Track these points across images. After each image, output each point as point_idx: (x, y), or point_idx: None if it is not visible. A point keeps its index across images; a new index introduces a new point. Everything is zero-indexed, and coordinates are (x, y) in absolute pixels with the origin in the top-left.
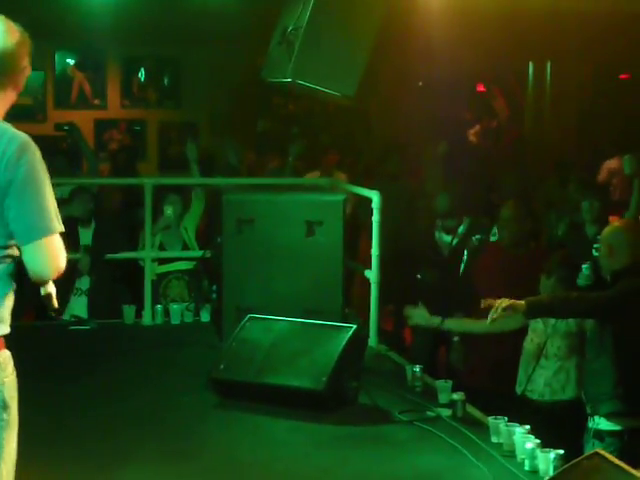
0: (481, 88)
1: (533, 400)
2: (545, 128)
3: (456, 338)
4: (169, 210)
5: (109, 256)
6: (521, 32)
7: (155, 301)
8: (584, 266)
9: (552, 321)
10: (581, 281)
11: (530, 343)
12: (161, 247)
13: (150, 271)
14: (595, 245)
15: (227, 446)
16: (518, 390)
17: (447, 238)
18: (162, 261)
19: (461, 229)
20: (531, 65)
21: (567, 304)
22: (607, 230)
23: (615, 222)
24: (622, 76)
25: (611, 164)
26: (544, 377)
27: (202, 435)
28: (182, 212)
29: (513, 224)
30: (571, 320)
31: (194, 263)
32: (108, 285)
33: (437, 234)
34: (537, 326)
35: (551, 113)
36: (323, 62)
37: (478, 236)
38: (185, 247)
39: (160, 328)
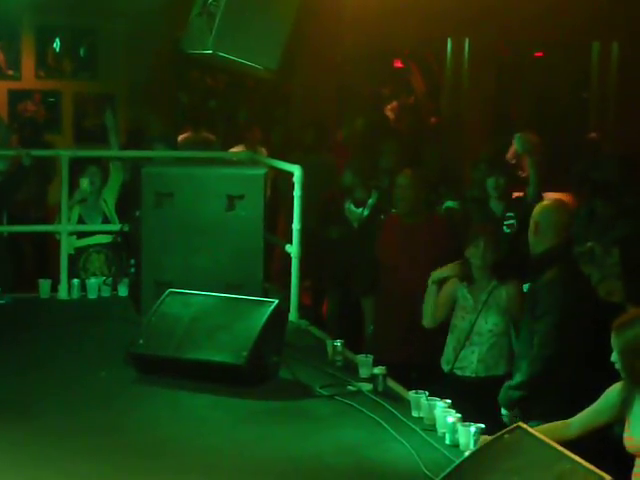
0: (398, 64)
1: (464, 377)
2: (462, 104)
3: (371, 327)
4: (85, 183)
5: (19, 228)
6: (440, 8)
7: (75, 275)
8: None
9: (483, 297)
10: None
11: (461, 320)
12: (80, 220)
13: (66, 244)
14: (505, 222)
15: (146, 421)
16: (445, 368)
17: (357, 210)
18: (82, 234)
19: (371, 201)
20: (449, 41)
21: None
22: (537, 207)
23: (546, 200)
24: (537, 54)
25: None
26: (477, 353)
27: (120, 410)
28: (101, 184)
29: (409, 192)
30: (504, 296)
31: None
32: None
33: (347, 206)
34: (467, 303)
35: (469, 90)
36: (245, 34)
37: (394, 210)
38: (106, 220)
39: (76, 302)
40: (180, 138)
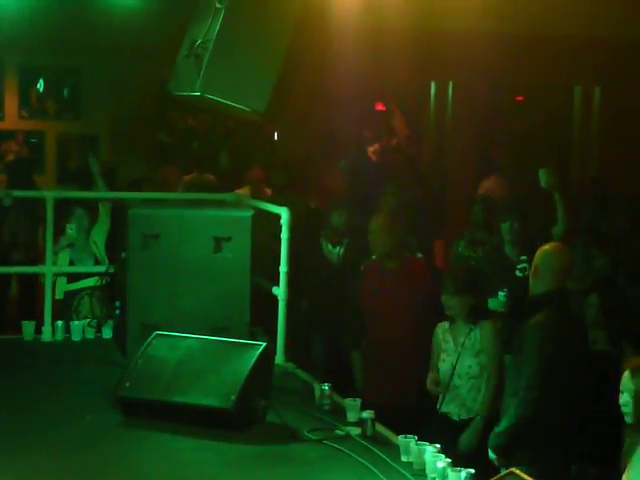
0: (380, 107)
1: (452, 420)
2: (446, 148)
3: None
4: (71, 229)
5: (3, 270)
6: (424, 52)
7: (68, 319)
8: (501, 293)
9: (461, 339)
10: (494, 305)
11: (443, 363)
12: (71, 264)
13: (50, 286)
14: (518, 266)
15: (132, 465)
16: (438, 408)
17: (335, 249)
18: (73, 278)
19: (345, 240)
20: (433, 85)
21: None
22: (538, 251)
23: (547, 245)
24: (518, 98)
25: (487, 184)
26: (459, 396)
27: (105, 454)
28: (89, 226)
29: (383, 236)
30: (478, 339)
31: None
32: None
33: (324, 244)
34: (448, 346)
35: (452, 133)
36: (233, 76)
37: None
38: (97, 262)
39: (60, 344)
40: (185, 179)
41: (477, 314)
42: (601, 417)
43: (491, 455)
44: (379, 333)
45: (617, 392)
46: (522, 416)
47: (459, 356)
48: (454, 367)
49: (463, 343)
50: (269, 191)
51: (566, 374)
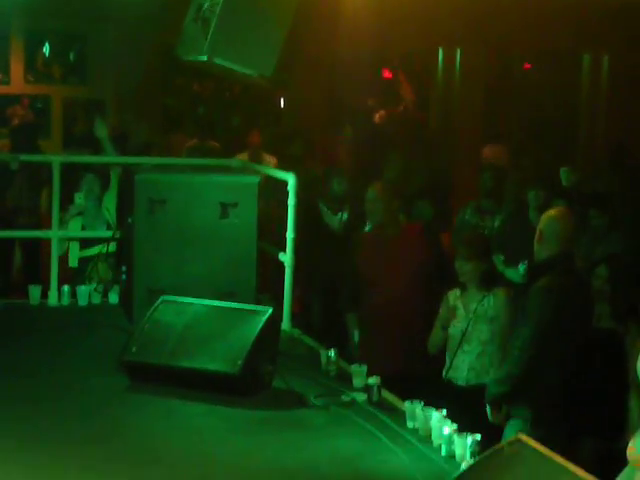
0: (387, 74)
1: (458, 386)
2: (452, 114)
3: (356, 340)
4: (79, 199)
5: (9, 234)
6: (432, 18)
7: (81, 284)
8: (521, 265)
9: (473, 306)
10: (512, 275)
11: (453, 328)
12: (83, 230)
13: (57, 251)
14: None
15: (139, 429)
16: (445, 374)
17: (336, 215)
18: (86, 245)
19: (347, 207)
20: (441, 51)
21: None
22: (543, 216)
23: (552, 210)
24: (526, 66)
25: (485, 151)
26: (468, 362)
27: (113, 418)
28: (101, 192)
29: (379, 204)
30: (492, 305)
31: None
32: None
33: (323, 211)
34: (459, 312)
35: (459, 100)
36: (240, 41)
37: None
38: (109, 228)
39: (67, 309)
40: (187, 144)
41: (490, 280)
42: (602, 389)
43: (487, 409)
44: (378, 301)
45: (620, 368)
46: (514, 374)
47: (469, 322)
48: (463, 333)
49: (475, 310)
50: (268, 156)
51: (567, 339)
